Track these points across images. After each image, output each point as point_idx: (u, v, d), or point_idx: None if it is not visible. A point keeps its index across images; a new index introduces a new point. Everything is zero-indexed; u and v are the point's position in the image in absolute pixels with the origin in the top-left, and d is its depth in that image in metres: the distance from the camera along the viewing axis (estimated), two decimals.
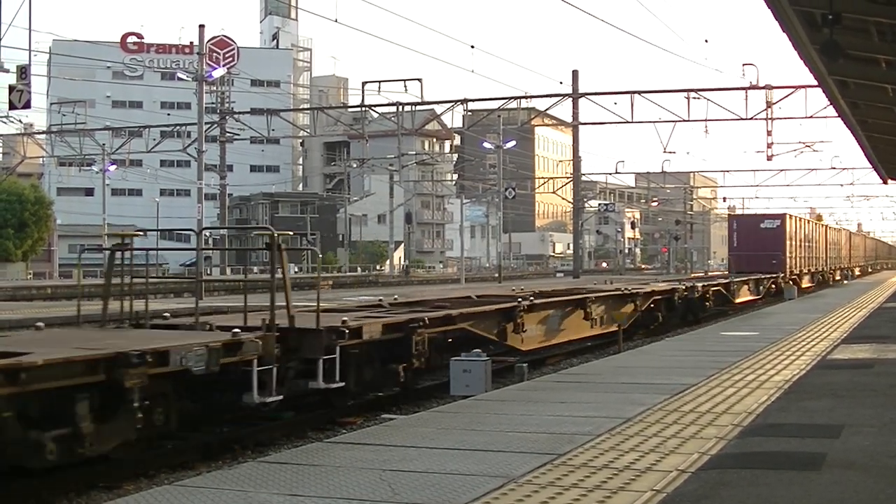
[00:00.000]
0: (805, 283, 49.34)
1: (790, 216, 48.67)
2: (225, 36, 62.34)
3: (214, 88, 55.43)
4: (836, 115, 26.67)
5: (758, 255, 43.12)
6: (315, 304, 13.30)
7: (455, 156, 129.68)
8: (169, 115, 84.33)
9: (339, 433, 12.41)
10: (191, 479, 7.98)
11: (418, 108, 53.25)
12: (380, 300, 20.40)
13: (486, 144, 71.65)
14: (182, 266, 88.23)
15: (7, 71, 32.04)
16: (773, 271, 43.15)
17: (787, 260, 45.34)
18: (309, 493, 6.64)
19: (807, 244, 51.39)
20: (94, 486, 10.51)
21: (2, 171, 78.48)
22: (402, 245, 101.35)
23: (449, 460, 7.59)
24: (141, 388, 10.05)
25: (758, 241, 44.25)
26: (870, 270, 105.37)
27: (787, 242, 45.44)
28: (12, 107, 34.61)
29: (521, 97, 45.46)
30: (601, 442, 8.26)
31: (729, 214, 69.56)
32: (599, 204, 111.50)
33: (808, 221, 55.74)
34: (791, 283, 44.51)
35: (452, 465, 7.38)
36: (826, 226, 63.96)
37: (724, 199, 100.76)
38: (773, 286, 45.13)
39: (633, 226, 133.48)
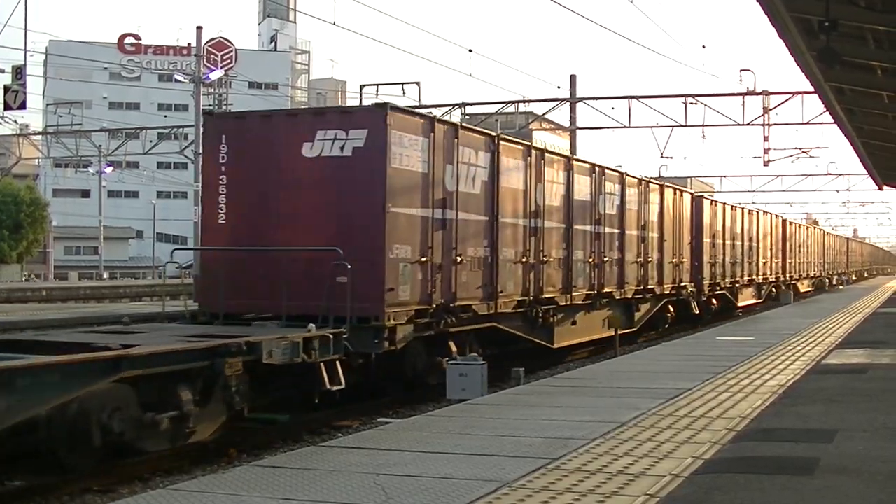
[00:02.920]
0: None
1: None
2: (223, 38, 62.25)
3: (212, 90, 55.39)
4: (833, 121, 26.73)
5: None
6: None
7: None
8: (166, 116, 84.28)
9: (334, 437, 12.42)
10: (185, 483, 7.99)
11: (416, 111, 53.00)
12: None
13: None
14: (179, 268, 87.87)
15: (3, 71, 32.10)
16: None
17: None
18: (302, 497, 6.65)
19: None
20: (89, 489, 10.51)
21: None
22: None
23: (443, 464, 7.60)
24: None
25: None
26: (865, 276, 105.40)
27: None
28: (8, 107, 34.61)
29: (519, 101, 45.53)
30: (596, 446, 8.28)
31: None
32: None
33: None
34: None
35: (447, 469, 7.40)
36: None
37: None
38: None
39: None
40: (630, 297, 25.20)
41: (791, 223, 53.78)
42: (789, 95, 37.99)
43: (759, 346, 17.92)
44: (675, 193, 29.73)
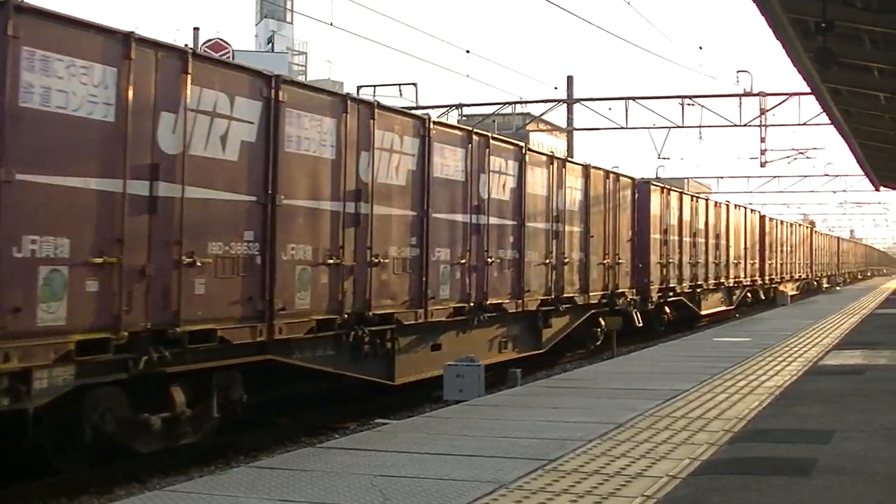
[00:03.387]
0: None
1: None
2: (220, 39, 62.21)
3: None
4: (829, 122, 26.75)
5: None
6: None
7: None
8: None
9: (331, 438, 12.40)
10: (182, 485, 7.98)
11: (413, 112, 53.03)
12: None
13: None
14: None
15: None
16: None
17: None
18: (299, 498, 6.64)
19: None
20: (86, 490, 10.50)
21: None
22: None
23: (440, 466, 7.59)
24: None
25: None
26: (859, 277, 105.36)
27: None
28: None
29: (516, 102, 45.48)
30: (592, 447, 8.27)
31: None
32: None
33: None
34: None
35: (444, 471, 7.39)
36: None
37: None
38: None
39: None
40: (535, 309, 19.74)
41: (771, 219, 48.43)
42: (786, 96, 37.97)
43: (756, 347, 17.93)
44: (607, 178, 24.02)
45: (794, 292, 51.93)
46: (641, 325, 25.56)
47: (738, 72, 56.90)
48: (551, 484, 6.91)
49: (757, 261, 43.03)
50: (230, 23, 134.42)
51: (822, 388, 12.10)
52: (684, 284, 30.28)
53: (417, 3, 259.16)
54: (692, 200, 32.57)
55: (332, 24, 31.91)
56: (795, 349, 17.70)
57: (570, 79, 43.27)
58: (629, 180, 25.94)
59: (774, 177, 63.51)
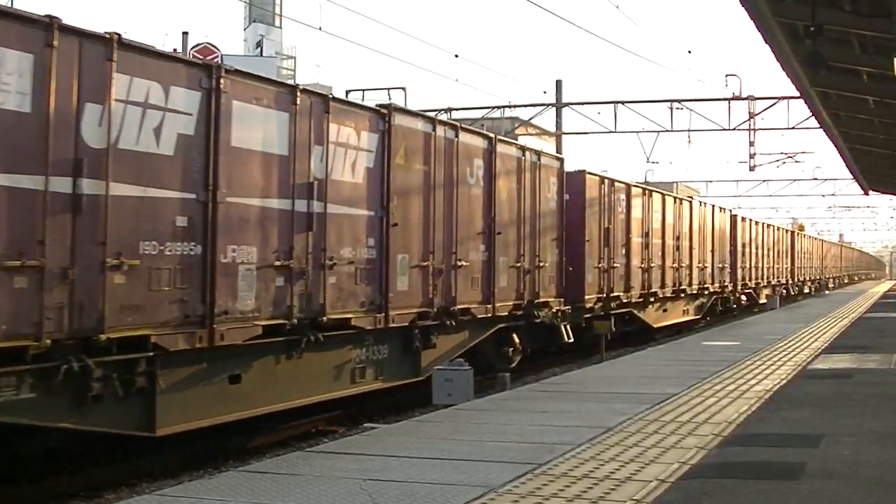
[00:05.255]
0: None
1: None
2: (209, 43, 62.00)
3: None
4: (819, 126, 26.82)
5: None
6: None
7: None
8: None
9: (321, 442, 12.39)
10: (171, 489, 7.95)
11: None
12: None
13: None
14: None
15: None
16: None
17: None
18: (288, 502, 6.63)
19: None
20: (76, 495, 10.47)
21: None
22: None
23: (430, 470, 7.58)
24: None
25: None
26: (846, 281, 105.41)
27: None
28: None
29: (504, 106, 45.51)
30: (582, 451, 8.27)
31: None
32: None
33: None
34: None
35: (433, 475, 7.38)
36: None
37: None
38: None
39: None
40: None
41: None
42: (775, 100, 38.04)
43: (745, 351, 17.95)
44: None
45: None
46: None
47: (726, 75, 56.98)
48: (540, 488, 6.91)
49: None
50: (219, 27, 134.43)
51: (812, 392, 12.12)
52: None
53: (406, 8, 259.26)
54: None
55: (320, 29, 31.95)
56: (784, 353, 17.72)
57: (558, 83, 43.29)
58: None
59: (763, 181, 63.58)
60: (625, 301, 25.43)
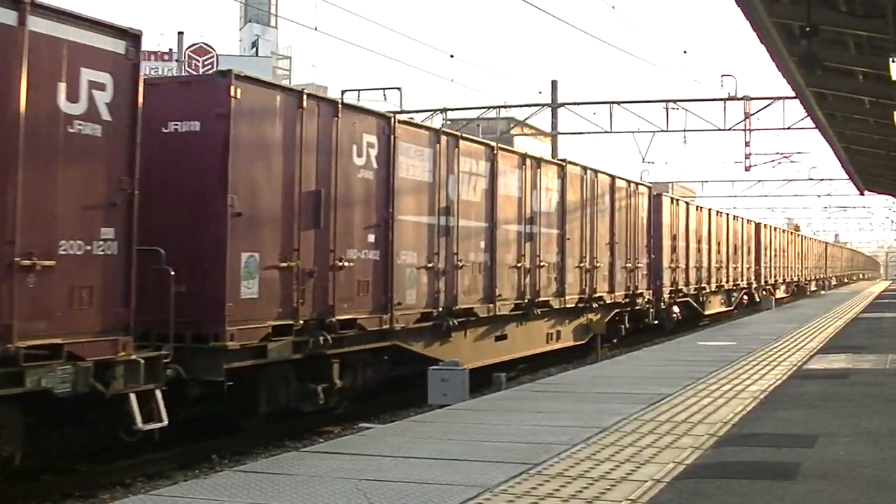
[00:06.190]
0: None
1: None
2: (204, 43, 62.04)
3: None
4: (814, 126, 26.85)
5: None
6: None
7: None
8: None
9: (315, 442, 12.38)
10: (166, 489, 7.95)
11: (398, 116, 52.78)
12: None
13: None
14: None
15: None
16: None
17: None
18: (283, 502, 6.62)
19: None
20: (70, 494, 10.45)
21: None
22: None
23: (425, 470, 7.58)
24: None
25: None
26: (845, 281, 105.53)
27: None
28: None
29: (500, 106, 45.49)
30: (577, 451, 8.27)
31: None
32: None
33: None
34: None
35: (428, 475, 7.37)
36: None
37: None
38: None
39: None
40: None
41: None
42: (771, 101, 38.04)
43: (740, 352, 17.95)
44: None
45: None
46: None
47: (722, 76, 57.00)
48: (536, 488, 6.90)
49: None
50: (214, 27, 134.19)
51: (807, 393, 12.12)
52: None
53: (402, 8, 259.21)
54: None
55: (316, 29, 31.91)
56: (780, 353, 17.72)
57: (554, 83, 43.26)
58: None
59: (759, 181, 63.56)
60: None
